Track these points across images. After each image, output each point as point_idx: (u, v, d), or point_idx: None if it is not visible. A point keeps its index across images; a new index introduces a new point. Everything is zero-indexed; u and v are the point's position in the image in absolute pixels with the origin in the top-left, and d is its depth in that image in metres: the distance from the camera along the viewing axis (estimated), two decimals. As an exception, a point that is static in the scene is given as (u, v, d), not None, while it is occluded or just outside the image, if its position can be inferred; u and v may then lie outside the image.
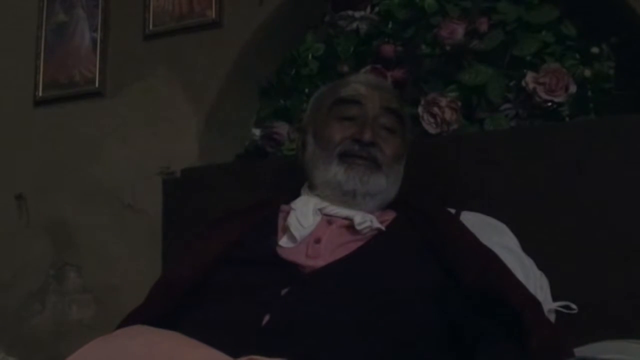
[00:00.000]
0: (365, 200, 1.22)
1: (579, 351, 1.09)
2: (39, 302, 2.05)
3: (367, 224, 1.16)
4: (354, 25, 1.93)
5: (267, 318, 0.98)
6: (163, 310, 1.13)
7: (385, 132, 1.26)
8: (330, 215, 1.20)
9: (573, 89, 1.64)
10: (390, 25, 1.90)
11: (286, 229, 1.17)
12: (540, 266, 1.36)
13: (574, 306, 1.32)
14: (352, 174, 1.21)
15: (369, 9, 1.94)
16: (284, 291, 1.03)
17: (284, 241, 1.16)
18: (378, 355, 0.97)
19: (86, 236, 2.04)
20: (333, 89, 1.34)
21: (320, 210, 1.20)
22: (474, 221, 1.34)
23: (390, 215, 1.23)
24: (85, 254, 2.03)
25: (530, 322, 1.01)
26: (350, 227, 1.18)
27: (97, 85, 2.11)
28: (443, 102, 1.68)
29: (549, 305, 1.33)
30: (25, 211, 2.14)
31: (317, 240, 1.14)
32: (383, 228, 1.17)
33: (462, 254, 1.13)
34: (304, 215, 1.18)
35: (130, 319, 1.14)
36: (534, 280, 1.33)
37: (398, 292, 1.06)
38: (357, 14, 1.93)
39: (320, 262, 1.10)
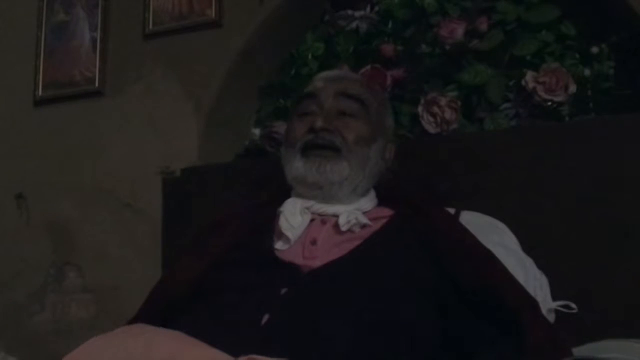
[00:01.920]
0: (334, 190, 1.21)
1: (578, 351, 1.09)
2: (39, 302, 2.05)
3: (353, 222, 1.16)
4: (354, 24, 1.93)
5: (266, 318, 0.98)
6: (164, 313, 1.13)
7: (347, 118, 1.25)
8: (320, 215, 1.20)
9: (573, 88, 1.64)
10: (390, 25, 1.90)
11: (280, 233, 1.17)
12: (540, 266, 1.36)
13: (574, 306, 1.32)
14: (309, 165, 1.21)
15: (369, 9, 1.94)
16: (283, 291, 1.03)
17: (280, 244, 1.16)
18: (377, 355, 0.97)
19: (86, 236, 2.04)
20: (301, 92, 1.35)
21: (308, 209, 1.20)
22: (473, 221, 1.34)
23: (387, 213, 1.23)
24: (85, 254, 2.03)
25: (527, 323, 1.01)
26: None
27: (97, 85, 2.11)
28: (443, 101, 1.68)
29: (549, 305, 1.33)
30: (25, 211, 2.14)
31: (314, 242, 1.14)
32: (370, 223, 1.17)
33: (460, 255, 1.13)
34: (292, 215, 1.18)
35: (132, 323, 1.14)
36: (533, 280, 1.33)
37: (395, 292, 1.06)
38: (357, 14, 1.93)
39: (317, 263, 1.10)
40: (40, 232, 2.10)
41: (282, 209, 1.21)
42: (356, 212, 1.18)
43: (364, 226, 1.17)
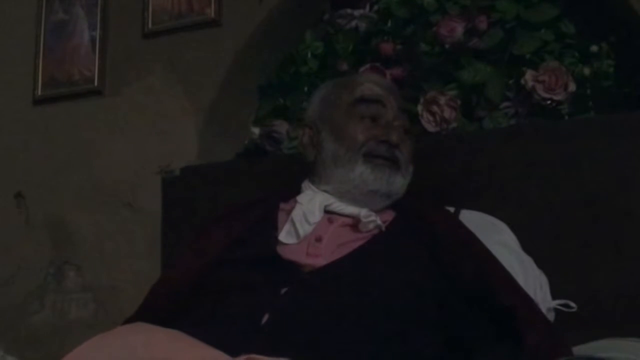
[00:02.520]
0: (382, 200, 1.23)
1: (577, 350, 1.09)
2: (39, 301, 2.05)
3: (372, 218, 1.17)
4: (353, 23, 1.93)
5: (266, 317, 0.98)
6: (162, 312, 1.13)
7: (403, 134, 1.27)
8: (333, 213, 1.20)
9: (572, 87, 1.64)
10: (389, 24, 1.90)
11: (289, 223, 1.16)
12: (540, 265, 1.36)
13: (573, 304, 1.32)
14: (380, 175, 1.21)
15: (368, 7, 1.94)
16: (283, 290, 1.03)
17: (284, 235, 1.16)
18: (377, 353, 0.97)
19: (86, 235, 2.04)
20: (347, 87, 1.32)
21: (325, 206, 1.20)
22: (473, 220, 1.34)
23: (390, 215, 1.24)
24: (84, 253, 2.03)
25: (525, 322, 1.01)
26: (352, 225, 1.18)
27: (96, 84, 2.11)
28: (442, 100, 1.68)
29: (548, 303, 1.33)
30: (25, 210, 2.13)
31: (318, 239, 1.14)
32: (383, 227, 1.18)
33: (458, 254, 1.13)
34: (310, 211, 1.18)
35: (131, 321, 1.13)
36: (533, 278, 1.33)
37: (396, 292, 1.06)
38: (357, 12, 1.93)
39: (320, 261, 1.10)
40: (39, 231, 2.10)
41: (299, 199, 1.21)
42: (373, 214, 1.19)
43: (370, 228, 1.17)
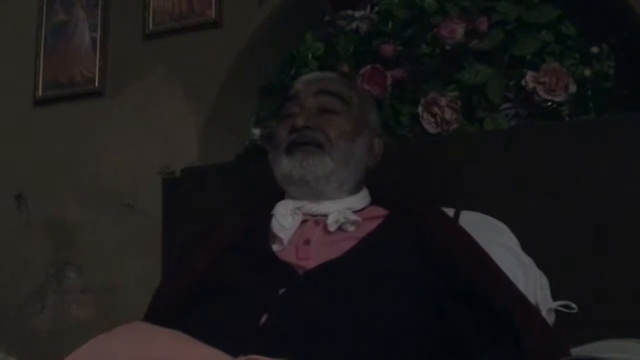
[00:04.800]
0: (321, 185, 1.22)
1: (578, 351, 1.09)
2: (39, 302, 2.06)
3: (341, 221, 1.16)
4: (354, 24, 1.93)
5: (265, 318, 0.98)
6: (166, 316, 1.13)
7: (328, 114, 1.26)
8: (312, 215, 1.21)
9: (573, 88, 1.64)
10: (390, 25, 1.90)
11: (273, 235, 1.17)
12: (540, 266, 1.36)
13: (573, 305, 1.32)
14: (293, 161, 1.23)
15: (368, 9, 1.94)
16: (281, 291, 1.03)
17: (274, 246, 1.16)
18: (374, 355, 0.97)
19: (86, 236, 2.04)
20: None
21: (298, 209, 1.21)
22: (473, 221, 1.34)
23: (381, 212, 1.23)
24: (85, 254, 2.03)
25: (521, 323, 1.01)
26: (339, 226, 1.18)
27: (96, 85, 2.11)
28: (443, 101, 1.68)
29: (548, 304, 1.33)
30: (25, 211, 2.14)
31: (307, 242, 1.14)
32: (359, 219, 1.17)
33: (453, 254, 1.12)
34: (283, 216, 1.19)
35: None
36: (533, 279, 1.32)
37: (392, 292, 1.06)
38: (357, 14, 1.93)
39: (310, 263, 1.10)
40: (40, 232, 2.10)
41: (274, 211, 1.22)
42: (345, 211, 1.18)
43: (357, 225, 1.17)
